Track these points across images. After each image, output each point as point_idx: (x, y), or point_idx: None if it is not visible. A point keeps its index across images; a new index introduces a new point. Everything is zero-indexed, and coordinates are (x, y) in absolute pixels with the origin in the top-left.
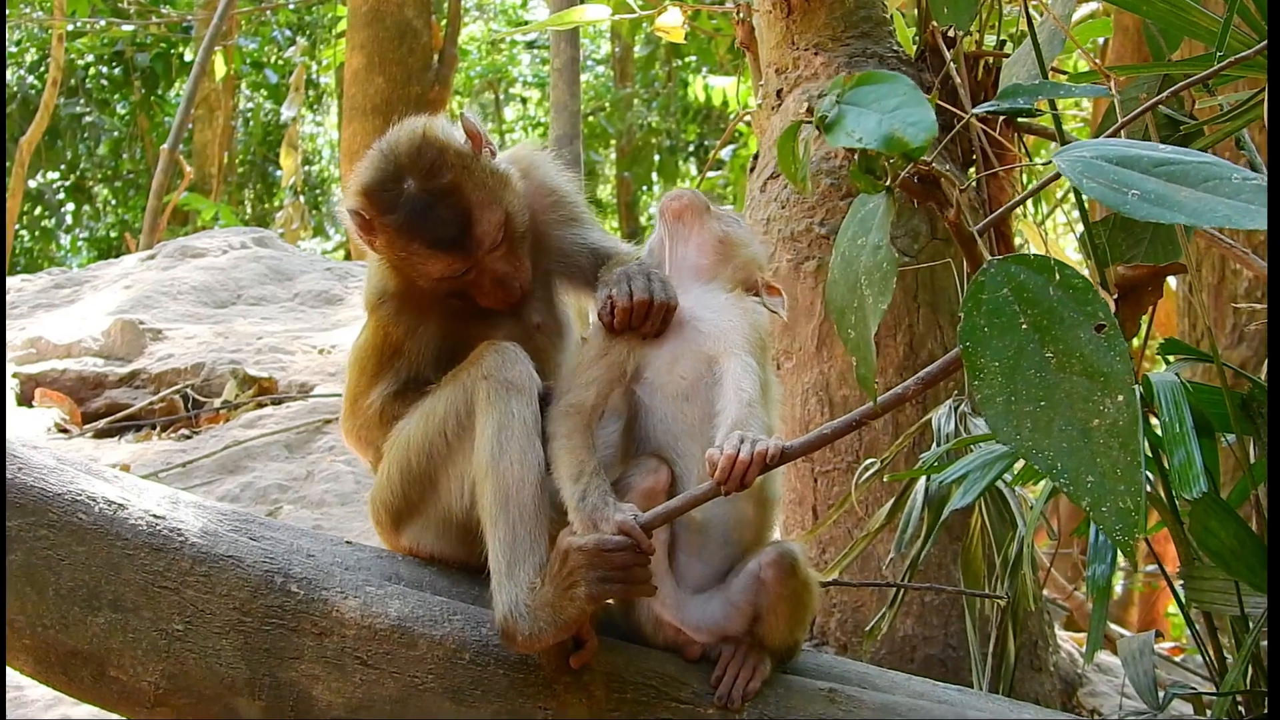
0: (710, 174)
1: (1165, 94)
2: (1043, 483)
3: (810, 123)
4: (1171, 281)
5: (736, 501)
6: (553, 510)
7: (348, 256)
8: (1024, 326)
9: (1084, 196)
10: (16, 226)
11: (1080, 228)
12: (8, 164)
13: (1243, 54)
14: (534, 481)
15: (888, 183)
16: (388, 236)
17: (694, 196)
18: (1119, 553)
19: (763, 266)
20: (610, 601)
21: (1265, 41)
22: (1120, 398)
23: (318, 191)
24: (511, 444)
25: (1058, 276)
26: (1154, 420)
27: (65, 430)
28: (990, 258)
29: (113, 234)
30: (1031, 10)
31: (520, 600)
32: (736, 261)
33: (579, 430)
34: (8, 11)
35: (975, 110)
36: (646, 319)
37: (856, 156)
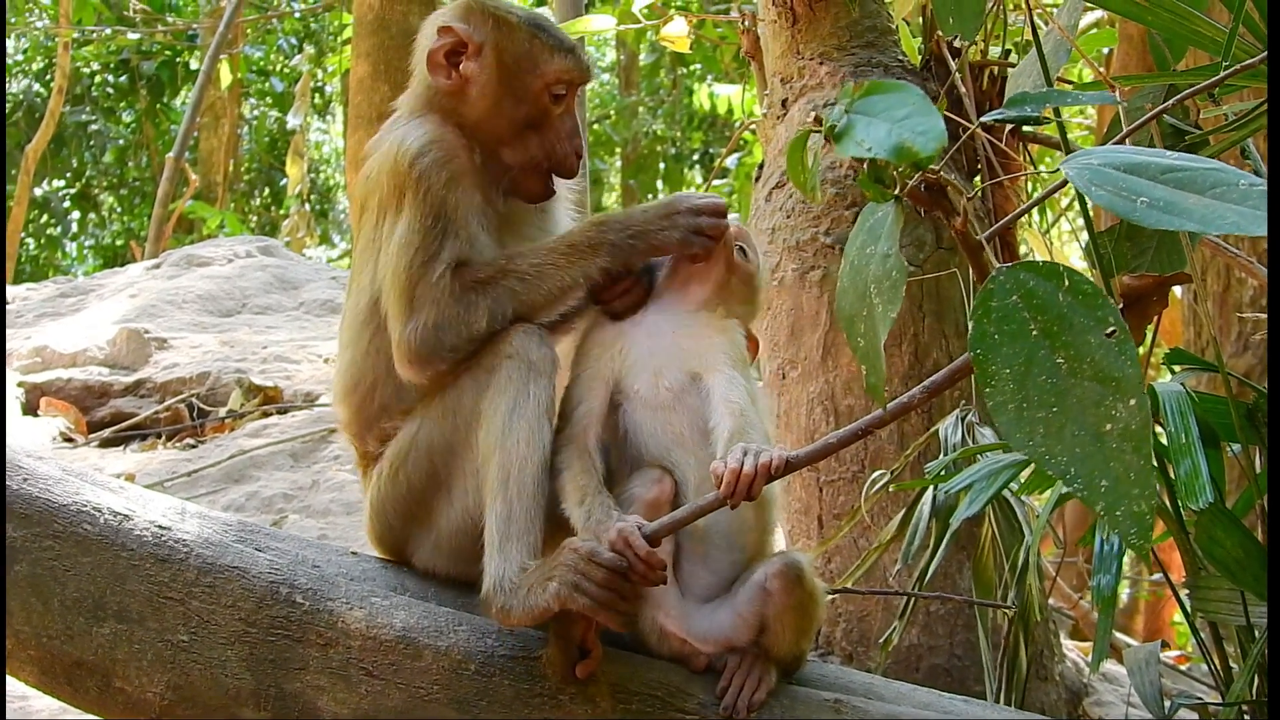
0: (715, 182)
1: (1170, 102)
2: (1048, 492)
3: (819, 131)
4: (1176, 290)
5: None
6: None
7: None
8: (1034, 333)
9: (1089, 206)
10: (22, 234)
11: (1085, 237)
12: (14, 172)
13: (1246, 63)
14: (538, 462)
15: (896, 191)
16: (504, 36)
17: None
18: (1124, 562)
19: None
20: (584, 614)
21: (1268, 49)
22: (1132, 402)
23: (324, 200)
24: (522, 423)
25: (1067, 283)
26: (1159, 430)
27: (70, 439)
28: (998, 265)
29: (118, 242)
30: (1037, 20)
31: (507, 575)
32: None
33: (577, 457)
34: (14, 20)
35: (983, 119)
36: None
37: (865, 165)
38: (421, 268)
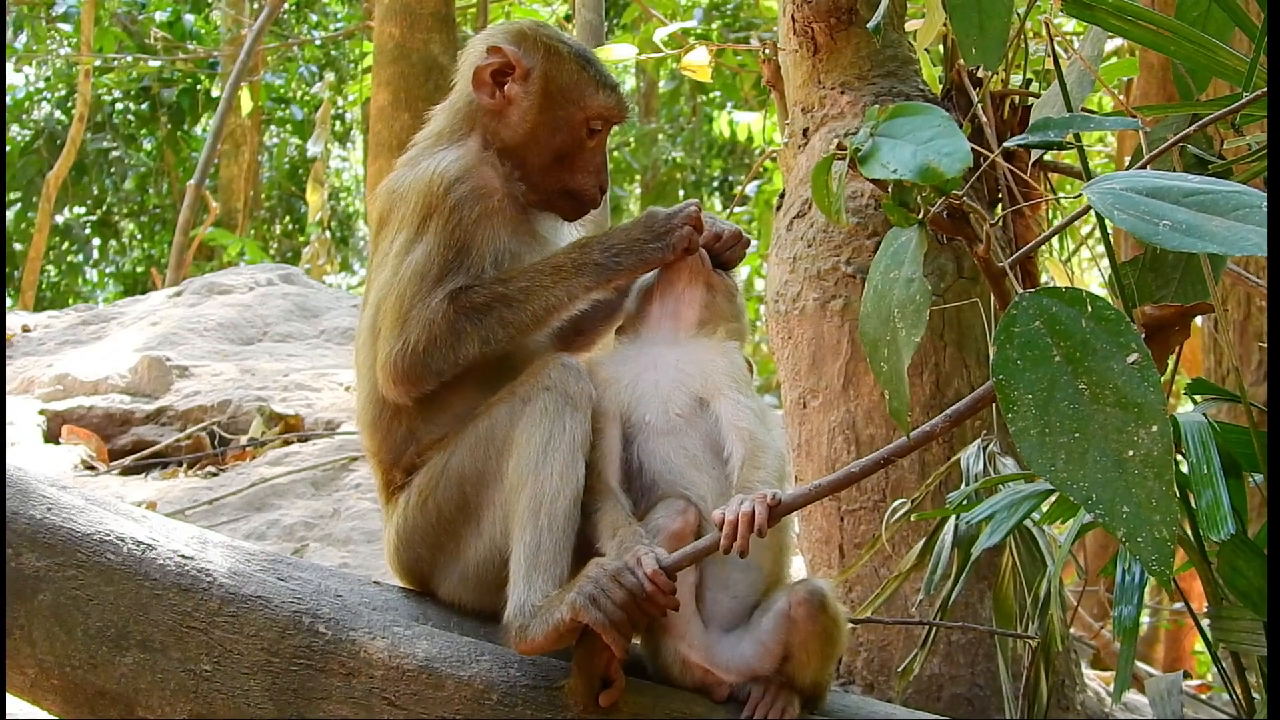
0: (735, 210)
1: (1192, 129)
2: (1070, 521)
3: (843, 158)
4: (1197, 319)
5: None
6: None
7: None
8: (1057, 359)
9: (1109, 237)
10: (43, 262)
11: (1105, 265)
12: (35, 199)
13: (1263, 90)
14: (570, 497)
15: (920, 216)
16: (553, 65)
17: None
18: (1145, 592)
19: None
20: (603, 634)
21: (1268, 59)
22: (1154, 428)
23: (344, 227)
24: (556, 456)
25: (1090, 309)
26: (1181, 460)
27: (92, 468)
28: (1021, 291)
29: (139, 269)
30: (1058, 50)
31: (529, 602)
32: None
33: (603, 497)
34: (35, 47)
35: (1006, 144)
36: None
37: (890, 189)
38: (425, 294)
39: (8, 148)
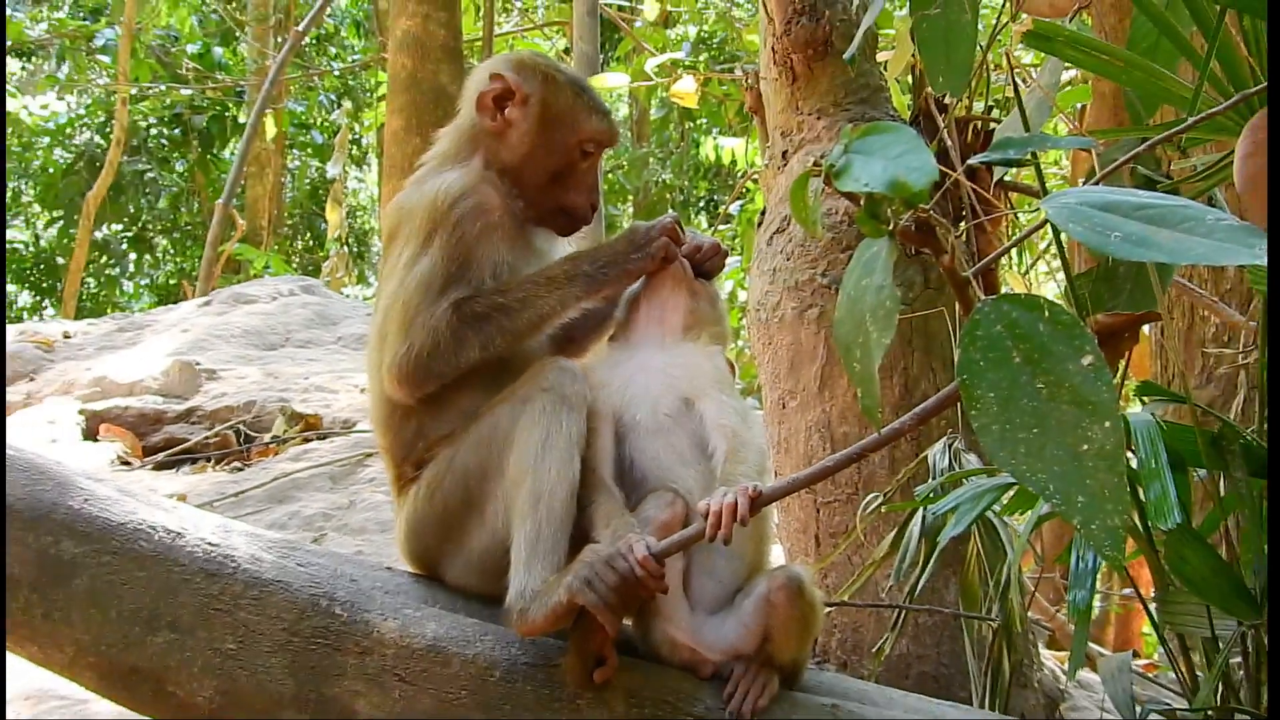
0: (720, 227)
1: (1141, 148)
2: (1029, 512)
3: (819, 175)
4: (1145, 327)
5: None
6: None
7: None
8: (1017, 360)
9: (1065, 250)
10: (83, 274)
11: (1061, 277)
12: (76, 218)
13: (1208, 112)
14: (567, 490)
15: (891, 227)
16: (550, 91)
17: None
18: (1098, 578)
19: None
20: (589, 610)
21: (1229, 101)
22: (1107, 424)
23: (361, 243)
24: (554, 453)
25: (1047, 314)
26: (1131, 456)
27: (127, 463)
28: (984, 298)
29: (171, 281)
30: (1018, 79)
31: (529, 587)
32: (706, 331)
33: (598, 490)
34: (76, 77)
35: (970, 160)
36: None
37: (862, 202)
38: (430, 302)
39: (51, 170)
